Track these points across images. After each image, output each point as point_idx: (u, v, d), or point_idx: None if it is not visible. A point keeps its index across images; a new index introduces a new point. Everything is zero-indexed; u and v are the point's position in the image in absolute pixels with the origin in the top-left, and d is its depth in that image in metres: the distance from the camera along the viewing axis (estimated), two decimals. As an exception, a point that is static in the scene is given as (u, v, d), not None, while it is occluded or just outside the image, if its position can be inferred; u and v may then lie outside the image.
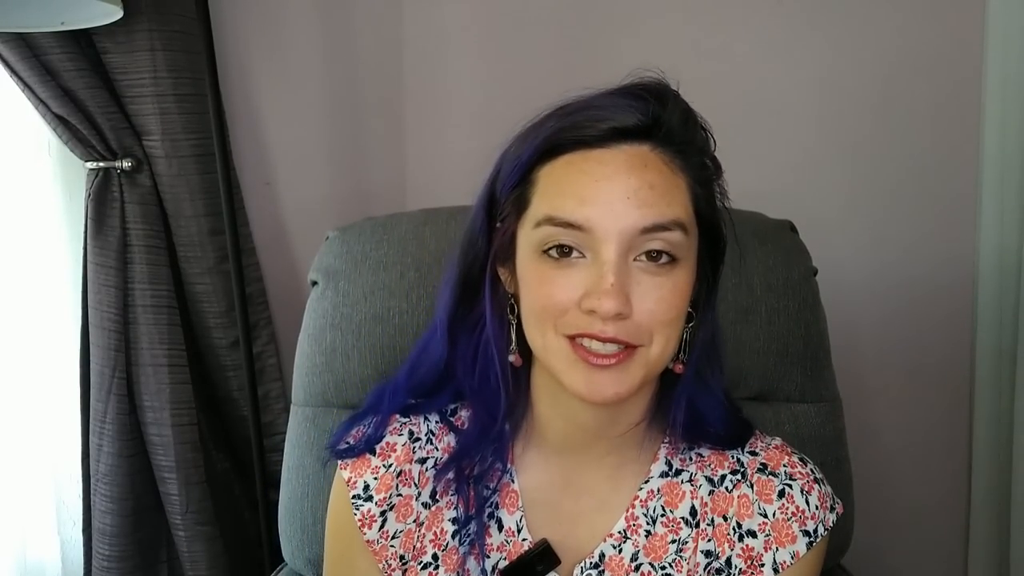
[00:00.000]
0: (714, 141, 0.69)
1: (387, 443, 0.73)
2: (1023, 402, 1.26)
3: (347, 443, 0.74)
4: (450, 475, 0.72)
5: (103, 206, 1.23)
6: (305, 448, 1.00)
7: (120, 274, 1.24)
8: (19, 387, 1.31)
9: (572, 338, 0.62)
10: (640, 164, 0.62)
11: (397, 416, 0.75)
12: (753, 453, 0.73)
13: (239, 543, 1.36)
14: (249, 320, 1.26)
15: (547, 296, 0.63)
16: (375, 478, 0.72)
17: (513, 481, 0.73)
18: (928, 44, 1.29)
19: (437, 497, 0.73)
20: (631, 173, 0.62)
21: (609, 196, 0.61)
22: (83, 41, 1.17)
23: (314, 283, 1.03)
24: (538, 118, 0.67)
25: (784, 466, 0.72)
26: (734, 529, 0.70)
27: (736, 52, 1.32)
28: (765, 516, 0.70)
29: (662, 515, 0.71)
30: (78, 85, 1.17)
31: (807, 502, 0.70)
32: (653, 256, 0.62)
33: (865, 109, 1.31)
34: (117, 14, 1.06)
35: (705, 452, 0.73)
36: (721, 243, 0.69)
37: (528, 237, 0.65)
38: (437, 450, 0.74)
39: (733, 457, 0.73)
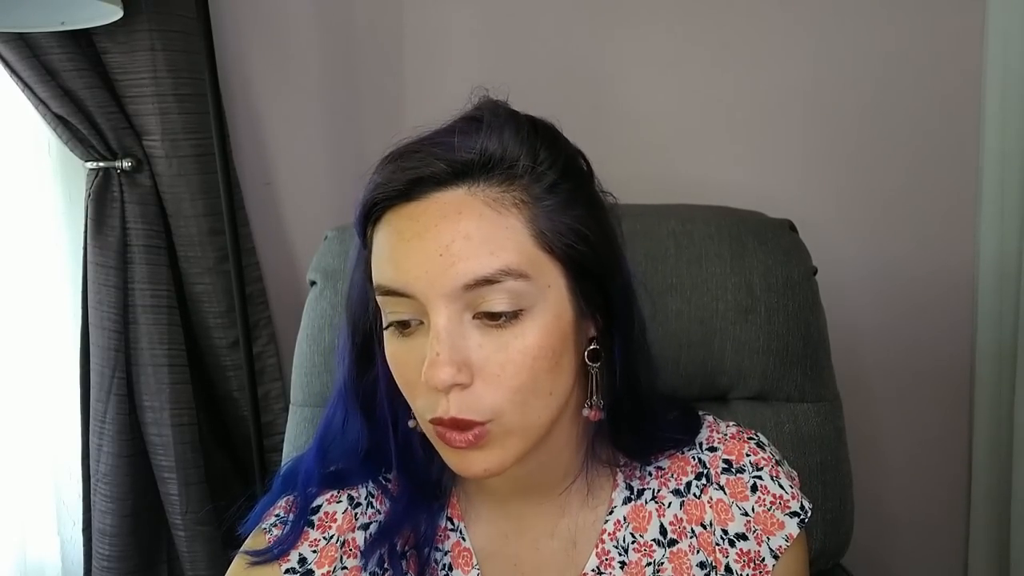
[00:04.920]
0: (575, 156, 0.61)
1: (326, 513, 0.68)
2: (1023, 402, 1.26)
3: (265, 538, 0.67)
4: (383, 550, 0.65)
5: (103, 206, 1.23)
6: (304, 448, 1.00)
7: (120, 274, 1.24)
8: (19, 387, 1.30)
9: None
10: (453, 213, 0.55)
11: (327, 489, 0.69)
12: (712, 449, 0.69)
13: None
14: (249, 320, 1.26)
15: (399, 374, 0.59)
16: (314, 551, 0.66)
17: (464, 539, 0.68)
18: (928, 44, 1.29)
19: (386, 565, 0.66)
20: (442, 226, 0.54)
21: (421, 256, 0.54)
22: (83, 41, 1.17)
23: (312, 283, 1.03)
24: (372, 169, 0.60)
25: (747, 455, 0.68)
26: (721, 537, 0.67)
27: (736, 51, 1.32)
28: (746, 514, 0.67)
29: (633, 542, 0.67)
30: (78, 85, 1.17)
31: (780, 486, 0.68)
32: (490, 313, 0.55)
33: (865, 108, 1.31)
34: (117, 14, 1.06)
35: (664, 463, 0.69)
36: (595, 271, 0.59)
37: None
38: (380, 513, 0.68)
39: (694, 459, 0.69)
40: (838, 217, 1.34)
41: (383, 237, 0.58)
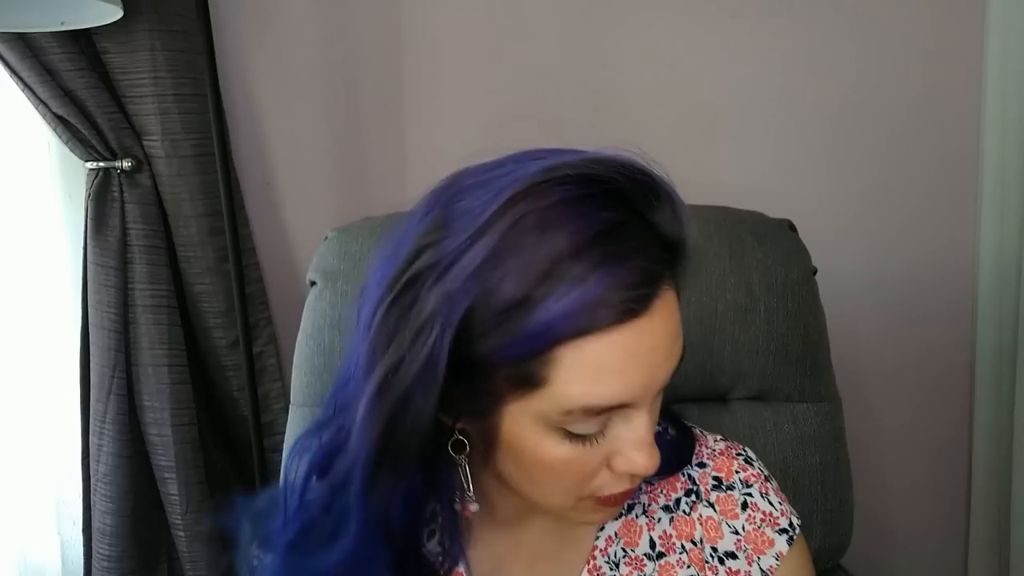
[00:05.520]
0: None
1: None
2: (1023, 402, 1.26)
3: None
4: None
5: (103, 206, 1.23)
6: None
7: (120, 274, 1.24)
8: (19, 387, 1.31)
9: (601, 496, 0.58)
10: (668, 313, 0.53)
11: None
12: (701, 465, 0.69)
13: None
14: (249, 320, 1.26)
15: (572, 472, 0.56)
16: None
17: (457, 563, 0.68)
18: (929, 43, 1.29)
19: None
20: (662, 332, 0.53)
21: (651, 368, 0.53)
22: (83, 41, 1.17)
23: (312, 283, 1.03)
24: (532, 250, 0.49)
25: (736, 472, 0.68)
26: (711, 555, 0.67)
27: (736, 50, 1.32)
28: (737, 533, 0.67)
29: (624, 556, 0.67)
30: (78, 85, 1.17)
31: (770, 503, 0.67)
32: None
33: (865, 108, 1.31)
34: (117, 14, 1.06)
35: (653, 478, 0.67)
36: None
37: (541, 415, 0.53)
38: None
39: (684, 475, 0.68)
40: (838, 217, 1.34)
41: (602, 356, 0.51)
